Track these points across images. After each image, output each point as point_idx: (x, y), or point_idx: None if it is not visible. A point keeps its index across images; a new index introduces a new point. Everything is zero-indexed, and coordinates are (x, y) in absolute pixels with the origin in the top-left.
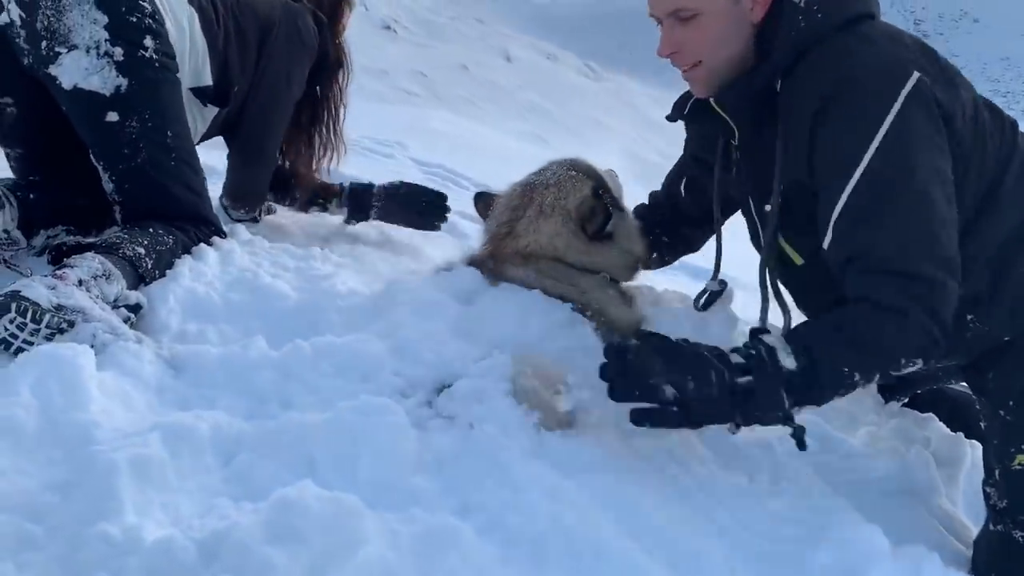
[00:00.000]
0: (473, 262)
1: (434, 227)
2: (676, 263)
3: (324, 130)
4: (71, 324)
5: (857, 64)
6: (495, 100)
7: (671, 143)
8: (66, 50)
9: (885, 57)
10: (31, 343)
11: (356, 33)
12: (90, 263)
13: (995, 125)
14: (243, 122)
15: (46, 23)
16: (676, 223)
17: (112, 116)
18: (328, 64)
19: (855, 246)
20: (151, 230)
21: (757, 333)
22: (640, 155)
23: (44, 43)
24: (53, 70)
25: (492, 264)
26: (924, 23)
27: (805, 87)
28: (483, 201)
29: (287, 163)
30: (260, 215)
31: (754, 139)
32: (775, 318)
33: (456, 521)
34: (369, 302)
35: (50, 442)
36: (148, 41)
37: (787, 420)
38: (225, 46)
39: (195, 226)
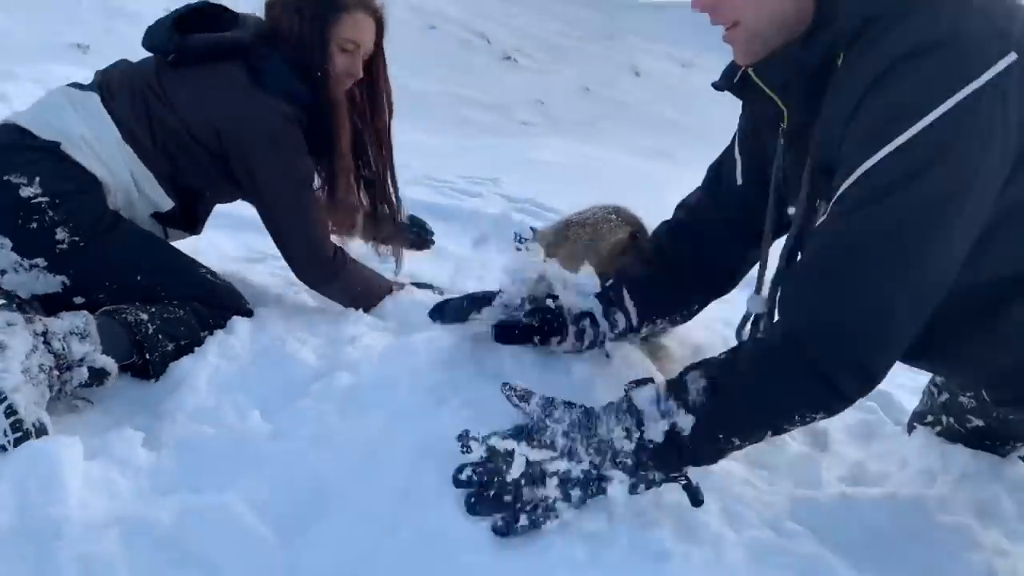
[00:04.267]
0: None
1: None
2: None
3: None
4: None
5: (943, 28)
6: (616, 119)
7: None
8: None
9: (983, 26)
10: None
11: (476, 68)
12: (74, 319)
13: None
14: (267, 221)
15: None
16: (716, 234)
17: (79, 300)
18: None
19: (835, 265)
20: (165, 301)
21: (640, 385)
22: None
23: None
24: (7, 285)
25: None
26: None
27: (870, 54)
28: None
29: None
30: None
31: (803, 127)
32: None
33: None
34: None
35: (24, 538)
36: (61, 232)
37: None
38: (172, 169)
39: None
